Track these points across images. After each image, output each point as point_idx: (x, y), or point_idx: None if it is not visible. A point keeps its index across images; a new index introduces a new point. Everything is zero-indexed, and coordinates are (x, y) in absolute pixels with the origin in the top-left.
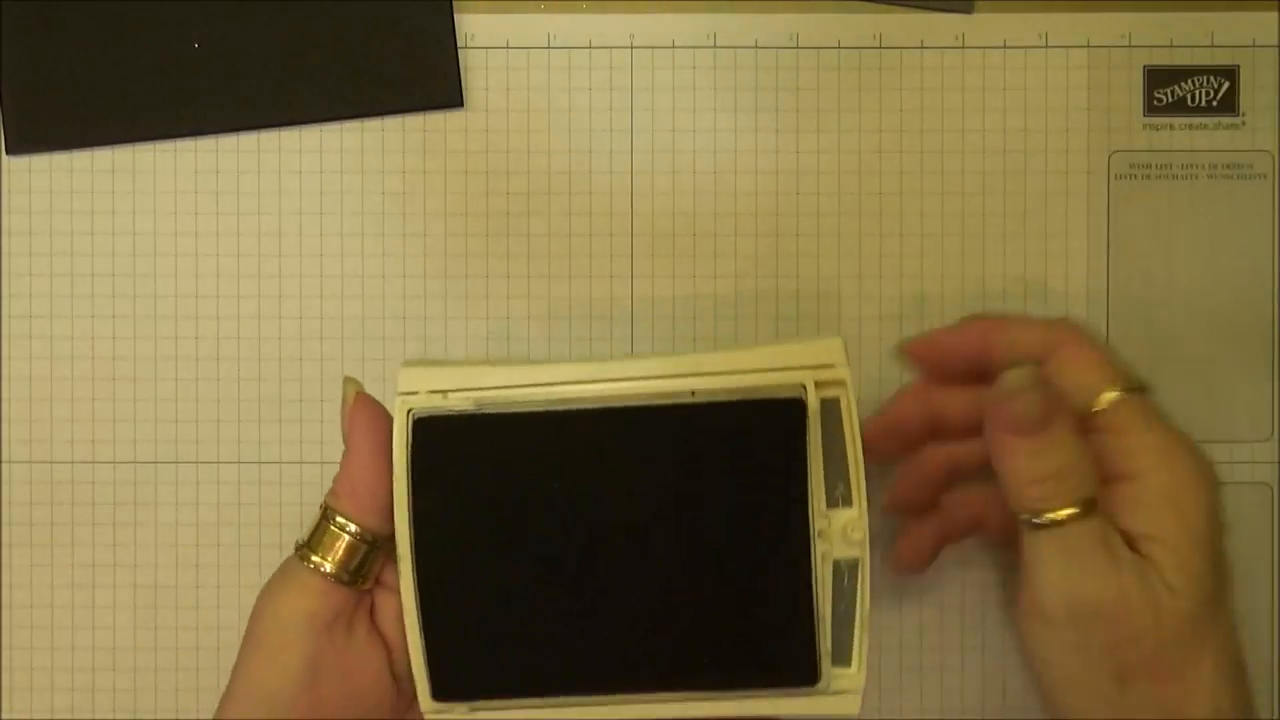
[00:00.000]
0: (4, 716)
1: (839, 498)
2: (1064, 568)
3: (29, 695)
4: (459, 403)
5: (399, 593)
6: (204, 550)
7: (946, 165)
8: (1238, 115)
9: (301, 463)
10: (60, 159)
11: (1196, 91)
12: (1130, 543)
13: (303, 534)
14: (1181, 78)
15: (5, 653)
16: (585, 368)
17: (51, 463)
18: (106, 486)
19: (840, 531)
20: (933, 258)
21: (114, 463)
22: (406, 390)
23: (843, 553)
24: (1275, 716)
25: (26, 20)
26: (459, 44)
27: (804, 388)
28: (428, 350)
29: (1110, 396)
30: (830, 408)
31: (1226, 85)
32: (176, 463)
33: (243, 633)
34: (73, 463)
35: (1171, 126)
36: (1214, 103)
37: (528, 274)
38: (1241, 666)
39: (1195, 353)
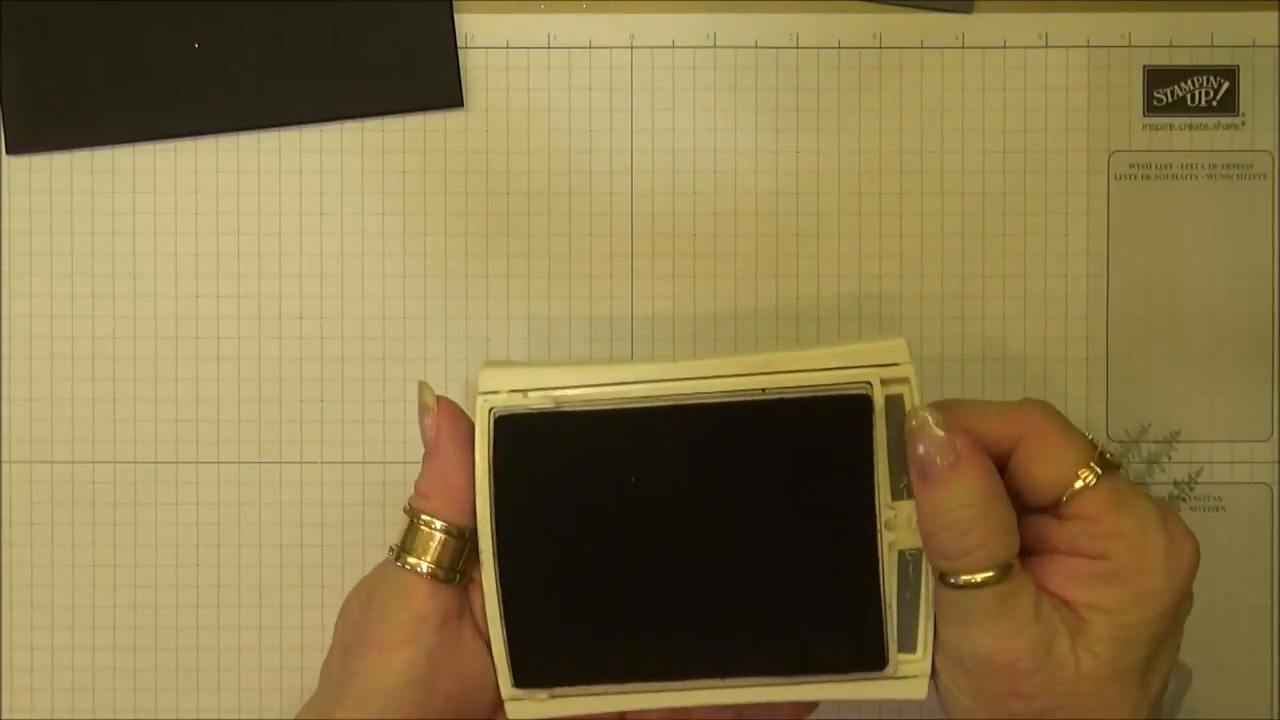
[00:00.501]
0: (4, 716)
1: (903, 490)
2: (960, 623)
3: (29, 695)
4: (538, 401)
5: None
6: (204, 550)
7: (946, 165)
8: (1238, 115)
9: (301, 463)
10: (60, 159)
11: (1196, 91)
12: (1074, 606)
13: (395, 540)
14: (1181, 78)
15: (5, 653)
16: (658, 367)
17: (51, 463)
18: (106, 486)
19: (906, 522)
20: (933, 258)
21: (114, 463)
22: (488, 390)
23: (908, 543)
24: (1275, 717)
25: (26, 20)
26: (459, 44)
27: (869, 385)
28: (428, 350)
29: (1079, 483)
30: (895, 404)
31: (1226, 85)
32: (176, 463)
33: (240, 632)
34: (73, 463)
35: (1171, 126)
36: (1214, 103)
37: (528, 274)
38: None
39: (1195, 353)
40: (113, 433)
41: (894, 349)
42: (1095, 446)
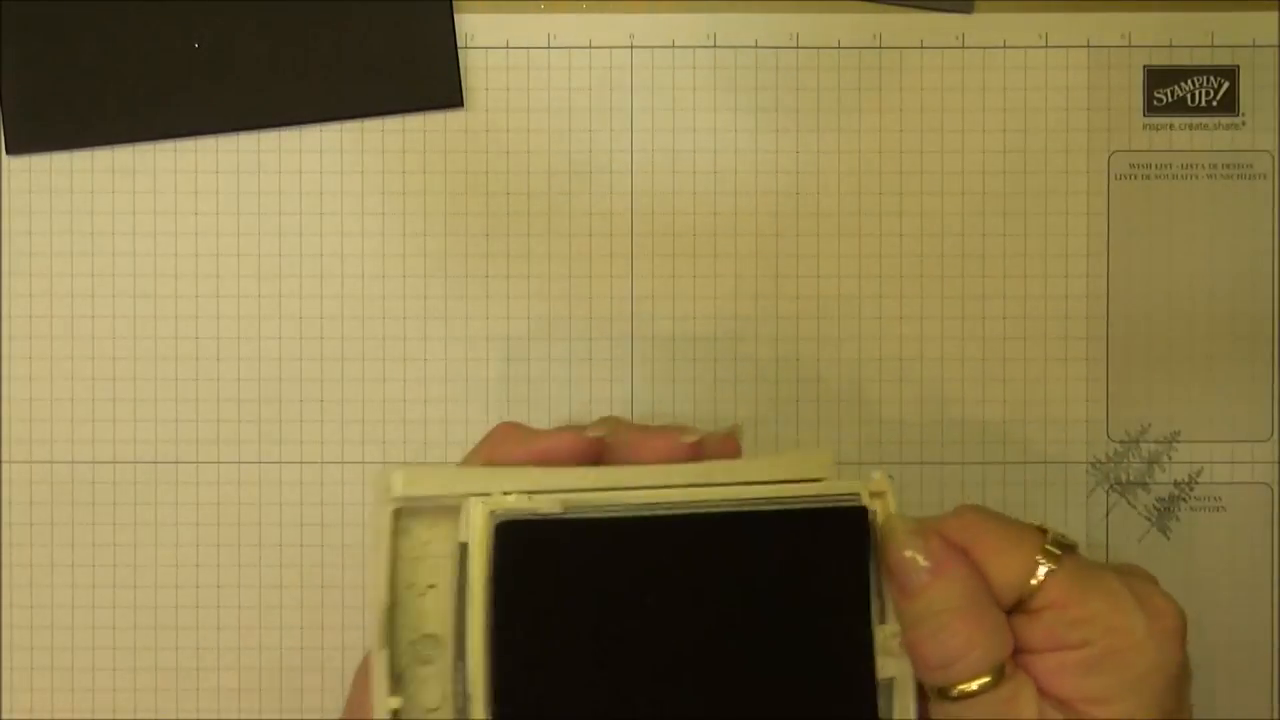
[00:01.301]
0: (4, 716)
1: (878, 613)
2: None
3: (29, 695)
4: (545, 505)
5: None
6: (204, 550)
7: (946, 165)
8: (1238, 115)
9: (302, 463)
10: (60, 159)
11: (1196, 91)
12: (1069, 704)
13: None
14: (1181, 78)
15: (5, 653)
16: (632, 472)
17: (51, 463)
18: (106, 486)
19: (883, 646)
20: (932, 258)
21: (114, 463)
22: (463, 491)
23: (884, 670)
24: (1275, 717)
25: (26, 20)
26: (459, 44)
27: (858, 495)
28: (428, 350)
29: (1040, 572)
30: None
31: (1226, 85)
32: (176, 463)
33: (240, 632)
34: (73, 463)
35: (1171, 126)
36: (1214, 103)
37: (528, 274)
38: None
39: (1195, 353)
40: (113, 433)
41: (822, 462)
42: (1044, 531)
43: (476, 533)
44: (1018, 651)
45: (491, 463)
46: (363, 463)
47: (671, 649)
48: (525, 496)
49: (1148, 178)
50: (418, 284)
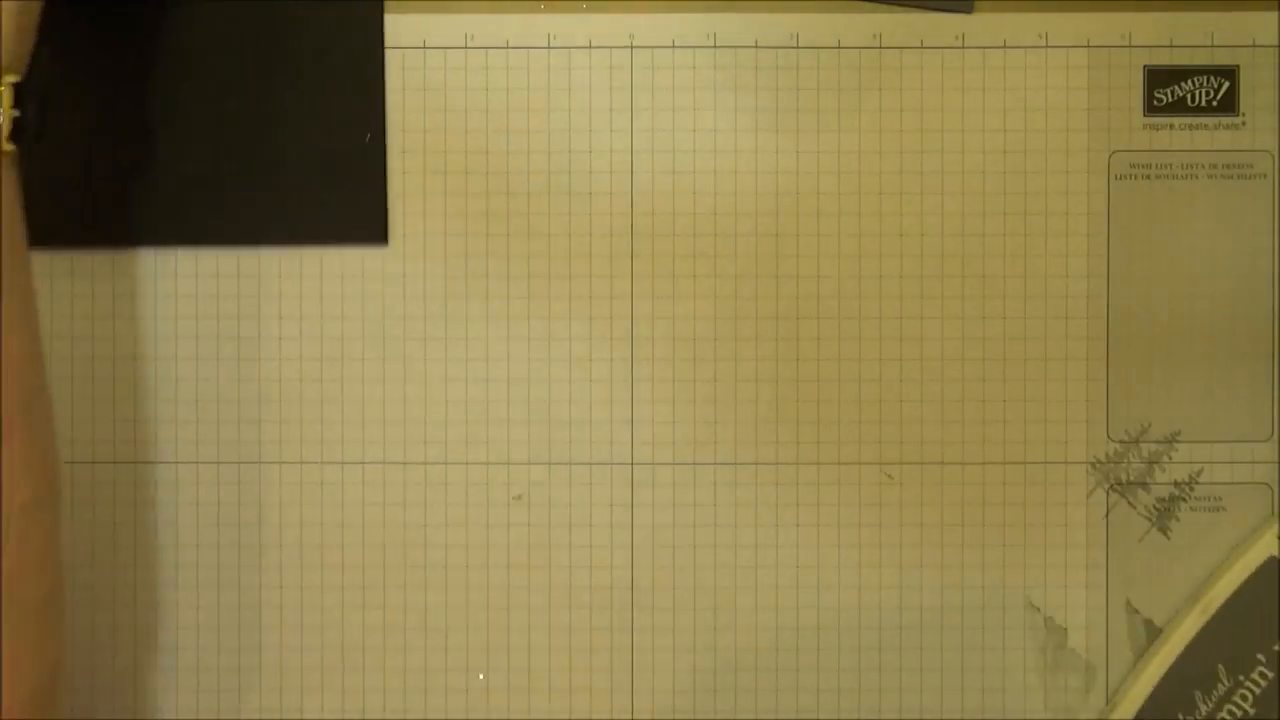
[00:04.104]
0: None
1: None
2: None
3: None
4: None
5: None
6: (204, 550)
7: (946, 165)
8: (1238, 115)
9: (302, 463)
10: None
11: (1196, 91)
12: None
13: None
14: (1181, 78)
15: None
16: None
17: None
18: (106, 486)
19: None
20: (933, 258)
21: (114, 463)
22: None
23: None
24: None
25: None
26: (461, 43)
27: None
28: (428, 351)
29: None
30: None
31: (1226, 85)
32: (176, 463)
33: (241, 632)
34: (72, 463)
35: (1171, 126)
36: (1214, 103)
37: (528, 274)
38: None
39: (1195, 353)
40: (113, 433)
41: None
42: None
43: None
44: None
45: None
46: (363, 463)
47: None
48: None
49: (1148, 178)
50: (418, 284)
